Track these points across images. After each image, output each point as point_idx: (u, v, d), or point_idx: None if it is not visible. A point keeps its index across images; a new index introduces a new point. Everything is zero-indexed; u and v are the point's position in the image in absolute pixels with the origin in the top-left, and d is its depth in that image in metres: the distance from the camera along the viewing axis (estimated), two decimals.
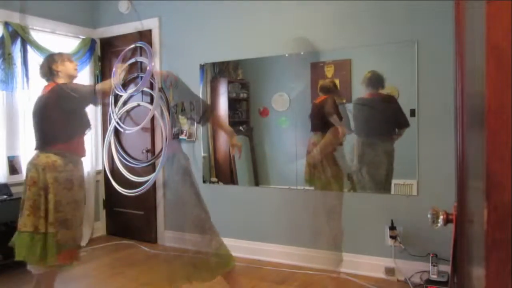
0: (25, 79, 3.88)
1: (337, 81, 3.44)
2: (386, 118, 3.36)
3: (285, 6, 3.62)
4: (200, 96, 3.90)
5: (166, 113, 3.87)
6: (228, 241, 3.91)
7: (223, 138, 4.02)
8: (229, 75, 4.01)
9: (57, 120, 2.60)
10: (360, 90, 3.36)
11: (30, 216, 2.48)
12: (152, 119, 4.18)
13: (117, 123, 2.89)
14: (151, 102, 4.22)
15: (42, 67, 2.73)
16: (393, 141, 3.29)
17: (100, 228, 4.76)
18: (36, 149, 2.64)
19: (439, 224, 1.13)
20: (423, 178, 3.14)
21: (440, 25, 2.98)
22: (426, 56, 3.09)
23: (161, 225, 4.36)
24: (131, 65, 3.54)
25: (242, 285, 2.72)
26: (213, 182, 4.08)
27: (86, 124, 2.78)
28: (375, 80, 3.28)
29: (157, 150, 4.26)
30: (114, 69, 2.79)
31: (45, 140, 2.62)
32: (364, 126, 3.45)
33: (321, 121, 3.50)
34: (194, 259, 2.53)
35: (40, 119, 2.64)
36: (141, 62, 4.28)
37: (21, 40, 3.88)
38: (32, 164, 2.56)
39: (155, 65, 4.13)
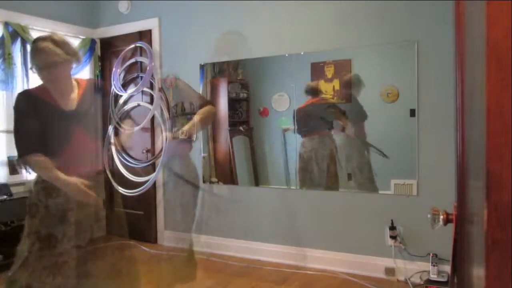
0: (25, 79, 3.88)
1: (337, 81, 3.43)
2: None
3: (285, 6, 3.62)
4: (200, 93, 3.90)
5: (166, 113, 3.86)
6: (228, 241, 3.96)
7: (223, 138, 4.02)
8: (229, 75, 4.01)
9: None
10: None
11: None
12: (152, 119, 4.17)
13: (117, 123, 2.88)
14: (151, 102, 4.23)
15: None
16: None
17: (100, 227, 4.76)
18: None
19: (439, 224, 1.13)
20: (423, 178, 3.14)
21: (440, 25, 2.98)
22: (426, 56, 3.09)
23: (161, 225, 4.36)
24: (131, 65, 3.53)
25: None
26: (213, 182, 4.08)
27: None
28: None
29: (157, 150, 4.26)
30: (114, 69, 2.79)
31: None
32: None
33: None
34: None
35: None
36: (141, 62, 4.28)
37: (21, 40, 3.88)
38: None
39: (155, 65, 4.13)
